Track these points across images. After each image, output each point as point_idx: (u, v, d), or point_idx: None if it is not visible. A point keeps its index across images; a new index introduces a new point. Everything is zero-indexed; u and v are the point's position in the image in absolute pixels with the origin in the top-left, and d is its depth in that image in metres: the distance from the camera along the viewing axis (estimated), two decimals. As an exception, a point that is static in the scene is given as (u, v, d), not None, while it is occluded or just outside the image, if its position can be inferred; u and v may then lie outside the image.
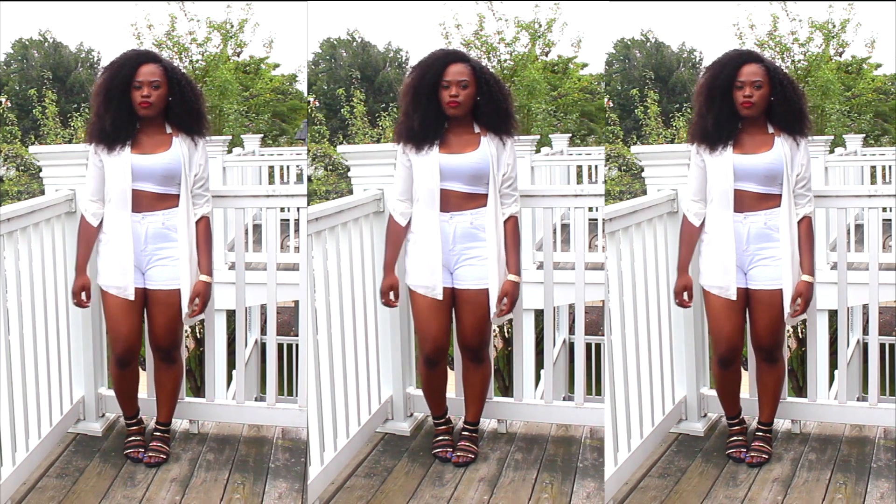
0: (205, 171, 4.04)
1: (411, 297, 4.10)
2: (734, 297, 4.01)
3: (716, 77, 3.98)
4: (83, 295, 4.04)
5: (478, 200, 3.99)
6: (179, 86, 3.98)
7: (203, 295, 4.01)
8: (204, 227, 4.06)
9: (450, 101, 3.94)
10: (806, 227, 4.01)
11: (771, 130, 4.00)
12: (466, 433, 4.20)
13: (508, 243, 4.01)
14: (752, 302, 4.03)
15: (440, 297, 4.00)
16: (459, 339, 4.08)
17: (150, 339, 4.08)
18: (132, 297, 3.98)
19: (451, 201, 3.99)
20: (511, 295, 3.99)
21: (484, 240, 3.98)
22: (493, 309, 3.98)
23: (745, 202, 3.99)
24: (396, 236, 4.07)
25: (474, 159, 3.97)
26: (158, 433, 4.20)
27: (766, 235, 3.99)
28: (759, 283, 4.00)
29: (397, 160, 4.07)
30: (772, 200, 3.98)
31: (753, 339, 4.08)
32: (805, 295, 3.96)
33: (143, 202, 3.98)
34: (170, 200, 3.99)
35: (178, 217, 3.98)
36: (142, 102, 3.93)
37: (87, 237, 4.05)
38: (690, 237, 4.10)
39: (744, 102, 3.95)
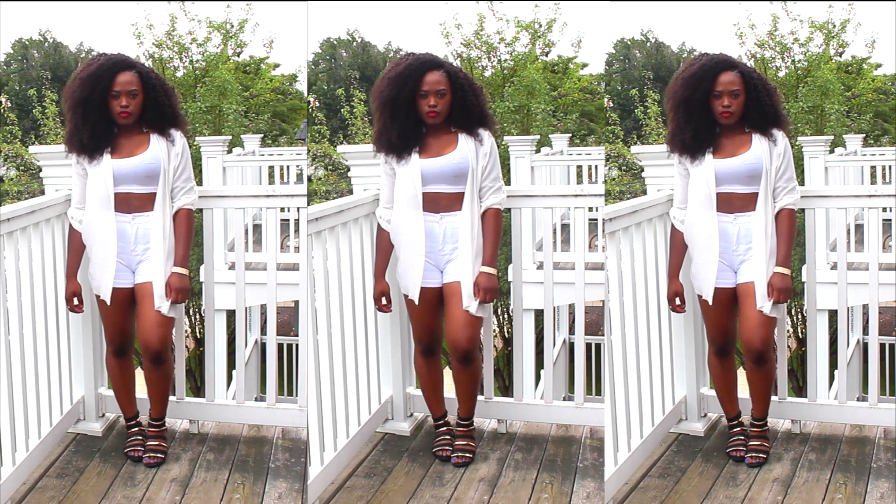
0: (183, 161, 4.03)
1: (404, 296, 4.13)
2: (709, 300, 4.05)
3: (693, 89, 3.98)
4: (75, 300, 4.09)
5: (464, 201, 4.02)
6: (154, 90, 3.99)
7: (175, 286, 3.99)
8: (183, 219, 4.05)
9: (429, 112, 3.97)
10: (785, 219, 4.00)
11: (748, 129, 4.02)
12: (461, 429, 4.20)
13: (487, 234, 4.02)
14: (739, 297, 4.04)
15: (416, 300, 4.03)
16: (448, 337, 4.08)
17: (139, 337, 4.06)
18: (108, 301, 4.01)
19: (440, 203, 4.02)
20: (482, 285, 3.98)
21: None
22: (465, 302, 3.98)
23: (733, 203, 4.01)
24: (385, 243, 4.11)
25: (455, 159, 4.00)
26: (153, 429, 4.19)
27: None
28: (745, 278, 4.02)
29: (381, 168, 4.08)
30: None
31: (742, 336, 4.07)
32: (778, 285, 3.95)
33: (132, 203, 4.01)
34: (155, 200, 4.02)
35: (153, 215, 3.99)
36: (121, 113, 3.96)
37: (76, 244, 4.09)
38: (678, 244, 4.13)
39: (723, 113, 3.97)
